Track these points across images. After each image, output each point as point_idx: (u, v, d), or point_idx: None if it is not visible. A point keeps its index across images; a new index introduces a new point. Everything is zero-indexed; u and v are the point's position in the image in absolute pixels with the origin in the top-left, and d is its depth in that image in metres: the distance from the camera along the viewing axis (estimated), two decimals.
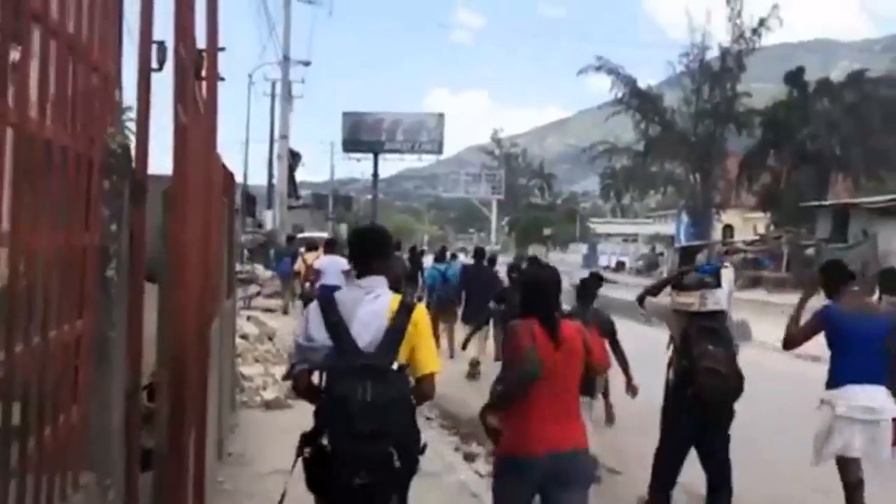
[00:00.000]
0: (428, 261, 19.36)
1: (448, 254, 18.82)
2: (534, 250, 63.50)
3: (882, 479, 6.04)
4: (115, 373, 2.40)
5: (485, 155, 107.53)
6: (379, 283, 3.87)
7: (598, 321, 7.81)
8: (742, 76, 50.16)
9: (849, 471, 5.76)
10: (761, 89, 57.78)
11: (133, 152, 2.53)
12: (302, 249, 20.47)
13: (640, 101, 52.40)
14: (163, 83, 2.81)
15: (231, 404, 8.31)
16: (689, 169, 52.17)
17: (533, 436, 4.17)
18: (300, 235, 33.93)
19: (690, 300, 5.79)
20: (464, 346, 12.84)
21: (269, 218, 42.78)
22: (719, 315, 5.81)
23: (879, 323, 5.87)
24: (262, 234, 38.51)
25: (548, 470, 4.18)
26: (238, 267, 18.46)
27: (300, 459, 3.61)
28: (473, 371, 12.64)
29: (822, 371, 6.16)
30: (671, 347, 6.19)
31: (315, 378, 3.88)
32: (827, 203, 38.61)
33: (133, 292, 2.48)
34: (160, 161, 2.90)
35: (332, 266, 14.94)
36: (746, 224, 56.14)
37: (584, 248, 74.35)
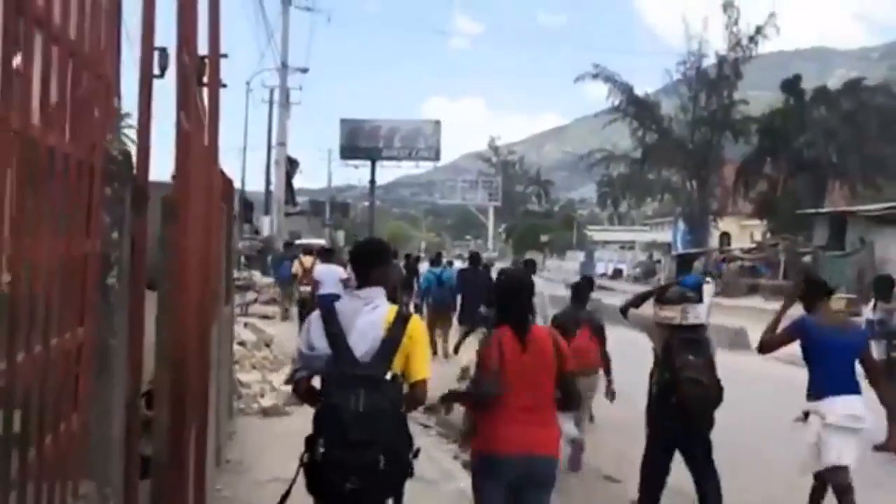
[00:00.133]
0: (423, 268, 19.49)
1: (444, 261, 18.97)
2: (531, 257, 63.48)
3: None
4: (116, 381, 2.38)
5: (482, 162, 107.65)
6: (377, 294, 4.07)
7: (591, 322, 8.22)
8: (739, 84, 50.17)
9: (840, 476, 5.90)
10: (758, 97, 57.91)
11: (134, 159, 2.52)
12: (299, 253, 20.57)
13: (637, 108, 52.40)
14: (162, 90, 2.81)
15: (229, 411, 8.28)
16: (685, 176, 52.18)
17: (508, 437, 4.38)
18: (297, 242, 33.94)
19: (672, 314, 6.00)
20: (455, 350, 12.90)
21: (266, 224, 42.75)
22: (700, 328, 6.03)
23: (853, 336, 6.15)
24: (260, 241, 38.44)
25: (522, 470, 4.41)
26: (235, 273, 18.43)
27: (300, 464, 3.82)
28: (465, 377, 12.64)
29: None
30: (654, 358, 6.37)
31: (316, 382, 4.03)
32: (824, 211, 38.68)
33: (134, 300, 2.47)
34: (157, 167, 2.89)
35: (329, 275, 15.02)
36: (743, 231, 56.15)
37: (581, 256, 74.34)
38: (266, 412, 9.30)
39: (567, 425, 8.19)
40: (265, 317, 20.52)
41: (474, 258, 16.74)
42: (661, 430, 6.11)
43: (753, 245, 45.15)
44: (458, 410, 6.32)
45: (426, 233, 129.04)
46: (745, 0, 49.92)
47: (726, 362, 10.58)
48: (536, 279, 11.33)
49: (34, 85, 1.72)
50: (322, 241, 34.91)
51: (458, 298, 15.27)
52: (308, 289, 16.26)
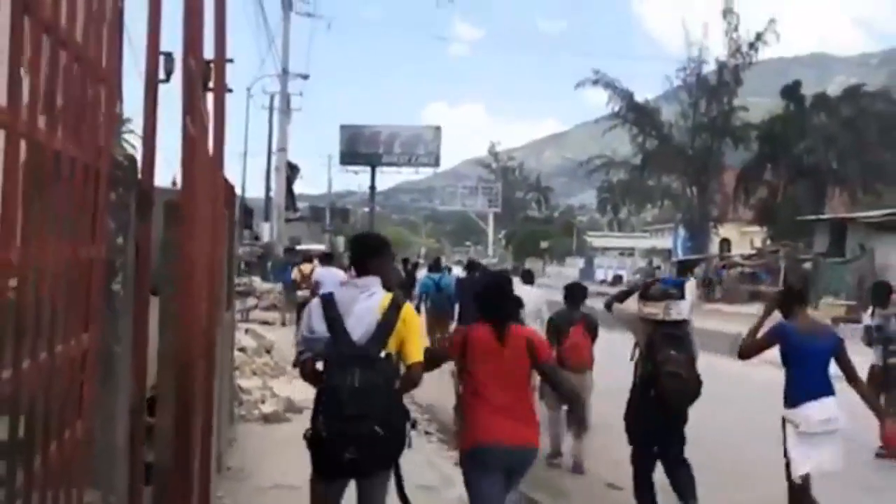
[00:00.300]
0: (422, 273, 19.59)
1: (444, 265, 19.08)
2: (531, 264, 63.50)
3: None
4: (121, 388, 2.37)
5: (482, 168, 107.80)
6: (373, 283, 4.44)
7: (585, 321, 8.57)
8: (739, 90, 50.21)
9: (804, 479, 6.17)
10: (758, 103, 57.99)
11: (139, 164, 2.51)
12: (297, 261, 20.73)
13: (637, 114, 52.43)
14: (164, 95, 2.79)
15: (229, 418, 8.25)
16: (686, 183, 52.20)
17: (489, 428, 4.66)
18: (297, 248, 33.95)
19: (655, 310, 6.27)
20: None
21: (266, 230, 42.77)
22: (682, 324, 6.30)
23: (828, 340, 6.34)
24: (260, 247, 38.46)
25: (507, 460, 4.72)
26: (235, 279, 18.45)
27: (305, 441, 4.17)
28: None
29: None
30: (637, 352, 6.59)
31: (319, 366, 4.36)
32: (824, 217, 38.69)
33: (138, 306, 2.45)
34: (157, 173, 2.88)
35: (329, 277, 15.18)
36: (743, 238, 56.23)
37: (580, 262, 74.39)
38: (267, 418, 9.27)
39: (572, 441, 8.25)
40: (265, 322, 20.54)
41: (472, 266, 16.78)
42: (643, 421, 6.34)
43: (754, 251, 45.21)
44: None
45: (426, 239, 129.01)
46: (744, 6, 50.05)
47: (725, 368, 10.64)
48: (534, 289, 11.35)
49: (40, 88, 1.71)
50: (322, 247, 34.95)
51: (457, 307, 15.23)
52: (307, 293, 16.34)
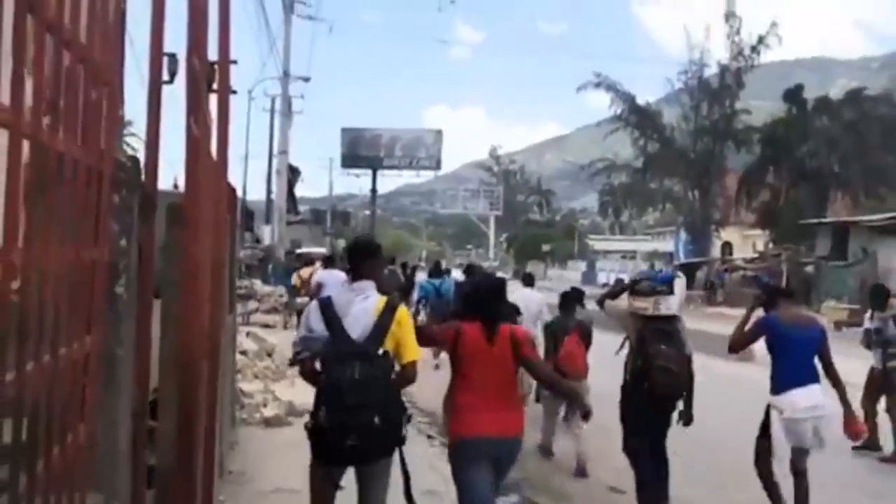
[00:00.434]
0: (421, 277, 19.64)
1: (444, 267, 19.14)
2: (532, 267, 63.50)
3: None
4: (123, 391, 2.35)
5: (483, 171, 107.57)
6: (368, 287, 4.66)
7: (579, 329, 8.70)
8: (741, 93, 50.20)
9: (799, 460, 6.42)
10: (760, 107, 57.91)
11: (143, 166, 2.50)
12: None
13: (638, 117, 52.43)
14: (166, 97, 2.77)
15: (231, 421, 8.23)
16: (687, 186, 52.17)
17: (477, 421, 4.83)
18: (298, 251, 33.93)
19: (645, 305, 6.42)
20: None
21: (267, 233, 42.71)
22: (672, 319, 6.41)
23: (811, 331, 6.64)
24: (261, 250, 38.41)
25: (489, 451, 4.86)
26: (237, 282, 18.46)
27: (306, 432, 4.37)
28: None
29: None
30: (627, 348, 6.73)
31: (317, 365, 4.54)
32: (826, 221, 38.67)
33: (141, 308, 2.43)
34: (160, 175, 2.86)
35: (332, 279, 15.24)
36: (745, 241, 56.16)
37: (582, 265, 74.35)
38: (268, 422, 9.24)
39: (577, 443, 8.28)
40: (266, 326, 20.50)
41: (471, 270, 16.76)
42: (634, 414, 6.49)
43: (756, 255, 45.17)
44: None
45: (427, 242, 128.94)
46: (746, 9, 50.06)
47: (726, 370, 10.66)
48: (535, 292, 11.59)
49: (43, 88, 1.69)
50: (323, 250, 34.92)
51: None
52: (306, 300, 16.37)
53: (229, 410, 8.01)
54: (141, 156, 2.66)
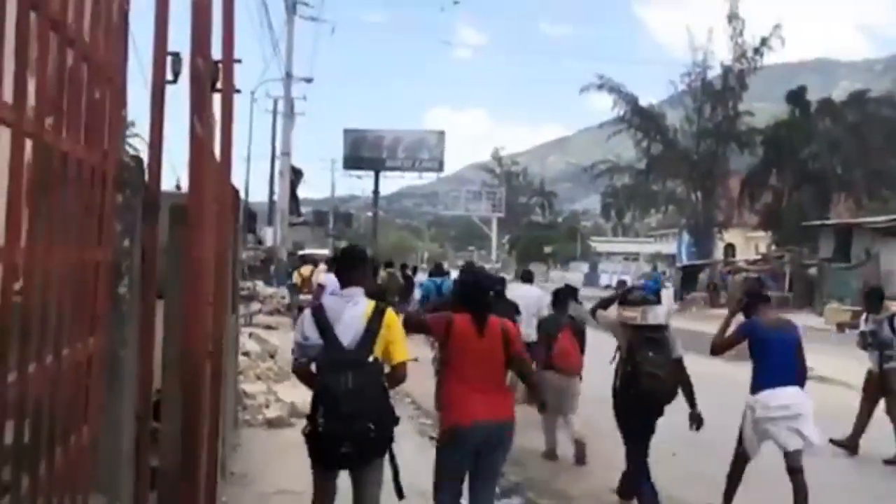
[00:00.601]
0: (421, 278, 19.72)
1: (445, 268, 19.30)
2: (534, 269, 63.45)
3: None
4: (126, 392, 2.34)
5: (485, 173, 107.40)
6: (357, 293, 4.87)
7: (572, 325, 8.94)
8: (744, 95, 50.09)
9: (793, 459, 6.55)
10: (763, 108, 57.83)
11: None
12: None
13: (641, 119, 52.34)
14: (170, 98, 2.76)
15: (233, 422, 8.22)
16: (690, 188, 52.07)
17: (469, 410, 5.02)
18: (300, 252, 33.92)
19: (634, 314, 6.72)
20: None
21: (269, 234, 42.69)
22: (660, 328, 6.68)
23: (791, 334, 6.88)
24: (263, 251, 38.43)
25: (483, 436, 5.05)
26: (239, 283, 18.47)
27: (303, 437, 4.59)
28: None
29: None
30: (618, 355, 6.93)
31: (314, 368, 4.76)
32: (829, 223, 38.60)
33: (145, 310, 2.42)
34: (163, 176, 2.85)
35: (334, 282, 15.19)
36: (748, 243, 56.09)
37: (584, 267, 74.30)
38: (271, 423, 9.23)
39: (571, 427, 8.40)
40: (269, 327, 20.50)
41: (466, 268, 16.83)
42: (625, 418, 6.77)
43: (759, 257, 45.05)
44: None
45: (429, 243, 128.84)
46: (749, 11, 49.98)
47: (726, 371, 10.62)
48: (534, 288, 11.91)
49: (47, 87, 1.68)
50: (326, 251, 34.92)
51: None
52: (308, 297, 16.40)
53: (232, 412, 8.00)
54: (144, 157, 2.65)
